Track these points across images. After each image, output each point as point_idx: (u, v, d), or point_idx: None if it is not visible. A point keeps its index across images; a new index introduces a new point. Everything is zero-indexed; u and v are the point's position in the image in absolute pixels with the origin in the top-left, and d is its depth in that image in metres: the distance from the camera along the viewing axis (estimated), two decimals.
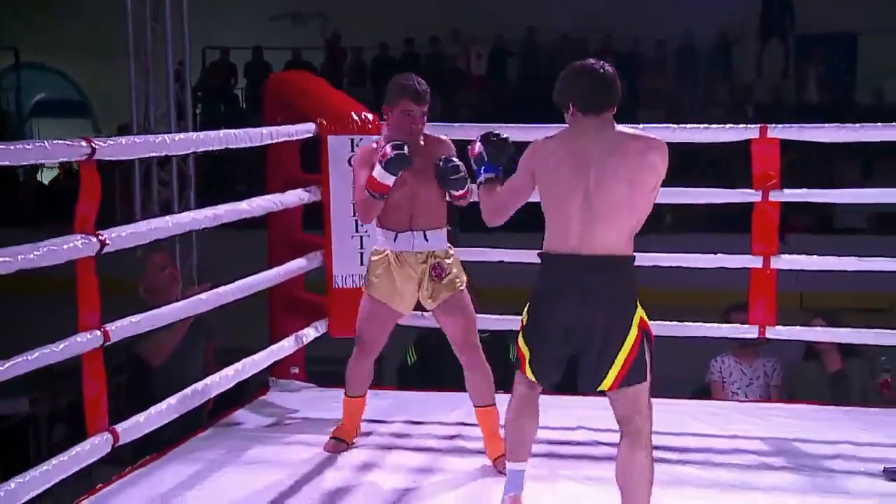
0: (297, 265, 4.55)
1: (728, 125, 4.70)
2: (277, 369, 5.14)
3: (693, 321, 4.94)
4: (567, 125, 3.28)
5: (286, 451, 4.23)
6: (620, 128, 3.22)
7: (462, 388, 5.10)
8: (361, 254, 4.68)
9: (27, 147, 2.92)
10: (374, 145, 4.01)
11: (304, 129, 4.57)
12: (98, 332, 3.22)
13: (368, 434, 4.43)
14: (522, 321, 3.31)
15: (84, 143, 3.10)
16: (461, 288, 4.04)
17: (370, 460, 4.13)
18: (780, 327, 4.61)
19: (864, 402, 5.10)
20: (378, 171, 3.81)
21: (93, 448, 3.25)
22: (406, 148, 3.82)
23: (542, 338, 3.24)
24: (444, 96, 12.43)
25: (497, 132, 3.62)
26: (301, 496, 3.75)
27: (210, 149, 3.81)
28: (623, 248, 3.16)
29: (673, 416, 4.45)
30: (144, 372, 4.66)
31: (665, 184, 3.25)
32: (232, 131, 4.03)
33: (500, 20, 14.36)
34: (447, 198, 4.00)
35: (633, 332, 3.13)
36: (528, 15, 14.33)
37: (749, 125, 4.63)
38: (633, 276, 3.20)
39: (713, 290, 7.20)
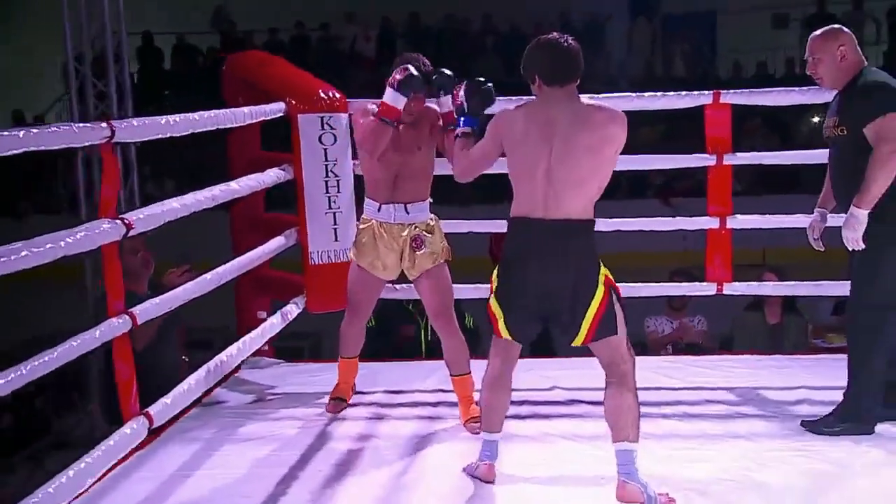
0: (277, 244, 4.36)
1: (683, 92, 4.71)
2: None
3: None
4: (534, 96, 3.24)
5: (278, 426, 4.08)
6: (584, 99, 3.20)
7: (427, 357, 5.07)
8: (335, 230, 4.52)
9: (57, 130, 2.70)
10: (370, 106, 3.88)
11: (275, 109, 4.37)
12: (126, 317, 3.02)
13: (354, 405, 4.31)
14: (492, 284, 3.27)
15: (104, 126, 2.89)
16: (440, 262, 3.98)
17: (364, 431, 4.01)
18: (735, 283, 4.66)
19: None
20: (389, 95, 3.70)
21: (133, 433, 3.08)
22: (415, 70, 3.71)
23: (515, 298, 3.21)
24: (337, 77, 12.22)
25: (482, 80, 3.52)
26: (309, 469, 3.60)
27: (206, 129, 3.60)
28: (586, 213, 3.17)
29: (638, 372, 4.46)
30: None
31: None
32: (221, 111, 3.85)
33: (385, 3, 14.21)
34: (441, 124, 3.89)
35: (601, 290, 3.15)
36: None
37: (702, 92, 4.64)
38: (594, 238, 3.21)
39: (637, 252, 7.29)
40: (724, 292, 4.67)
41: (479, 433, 3.60)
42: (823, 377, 4.48)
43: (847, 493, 3.28)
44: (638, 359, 4.58)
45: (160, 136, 3.18)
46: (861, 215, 3.60)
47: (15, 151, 2.45)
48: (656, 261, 7.66)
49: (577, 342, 3.19)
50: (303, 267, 4.56)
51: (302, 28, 14.30)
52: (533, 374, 4.56)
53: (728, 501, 3.23)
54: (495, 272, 3.27)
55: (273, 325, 4.25)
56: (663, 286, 4.96)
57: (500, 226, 5.01)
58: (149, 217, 3.12)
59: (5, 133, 2.44)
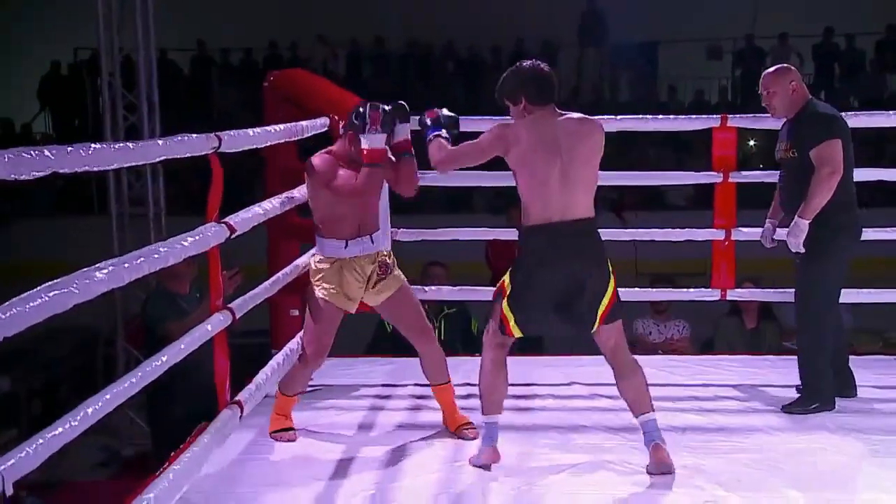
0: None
1: (693, 115, 4.81)
2: (275, 342, 4.92)
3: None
4: (514, 116, 3.38)
5: (322, 416, 4.09)
6: (567, 113, 3.37)
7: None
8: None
9: (181, 141, 2.66)
10: (327, 155, 3.72)
11: (320, 124, 4.34)
12: (227, 313, 3.01)
13: (387, 398, 4.38)
14: (505, 288, 3.35)
15: (213, 136, 2.87)
16: (404, 279, 3.87)
17: (406, 421, 4.07)
18: (738, 289, 4.77)
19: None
20: (371, 139, 3.56)
21: (230, 417, 3.07)
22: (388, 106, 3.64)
23: (535, 298, 3.31)
24: None
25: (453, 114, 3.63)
26: (369, 455, 3.62)
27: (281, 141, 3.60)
28: (592, 212, 3.33)
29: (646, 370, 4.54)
30: None
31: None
32: (291, 125, 4.00)
33: (353, 27, 14.21)
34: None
35: (612, 280, 3.33)
36: (378, 25, 14.26)
37: (710, 115, 4.74)
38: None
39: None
40: (728, 298, 4.77)
41: (474, 438, 3.67)
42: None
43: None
44: (643, 357, 4.67)
45: (256, 146, 3.20)
46: (803, 224, 3.90)
47: (154, 160, 2.42)
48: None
49: (594, 328, 3.34)
50: None
51: (275, 48, 14.22)
52: (551, 371, 4.63)
53: (762, 489, 3.28)
54: (508, 277, 3.36)
55: None
56: (670, 291, 5.06)
57: (497, 233, 5.14)
58: (244, 220, 3.10)
59: (138, 144, 2.39)
